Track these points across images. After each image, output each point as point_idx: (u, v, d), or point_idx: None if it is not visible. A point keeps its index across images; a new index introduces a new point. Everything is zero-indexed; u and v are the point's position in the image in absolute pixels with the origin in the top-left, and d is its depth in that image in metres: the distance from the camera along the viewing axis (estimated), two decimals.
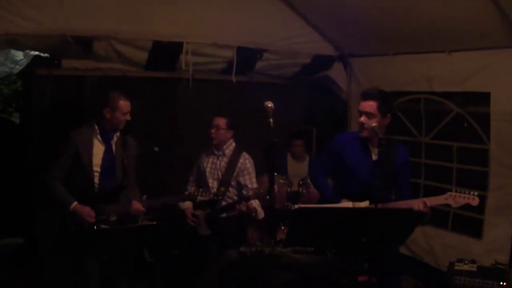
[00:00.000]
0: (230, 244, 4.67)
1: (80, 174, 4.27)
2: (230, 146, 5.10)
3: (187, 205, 5.10)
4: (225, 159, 5.07)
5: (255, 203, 4.82)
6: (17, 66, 8.06)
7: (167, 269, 5.34)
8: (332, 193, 4.17)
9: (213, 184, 5.07)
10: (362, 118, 3.89)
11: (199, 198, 4.64)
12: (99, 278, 4.31)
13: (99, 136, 4.33)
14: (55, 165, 4.25)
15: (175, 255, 5.49)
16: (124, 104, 4.29)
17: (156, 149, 4.47)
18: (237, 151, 5.08)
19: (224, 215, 4.93)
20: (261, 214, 4.91)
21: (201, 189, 4.69)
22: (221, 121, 5.04)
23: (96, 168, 4.29)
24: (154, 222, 4.31)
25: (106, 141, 4.35)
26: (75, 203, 4.15)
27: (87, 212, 4.14)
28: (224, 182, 5.03)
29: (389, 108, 3.98)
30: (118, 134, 4.41)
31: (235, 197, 5.03)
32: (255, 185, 4.99)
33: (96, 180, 4.30)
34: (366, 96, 3.93)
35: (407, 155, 4.11)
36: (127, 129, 4.46)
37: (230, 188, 5.04)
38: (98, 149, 4.32)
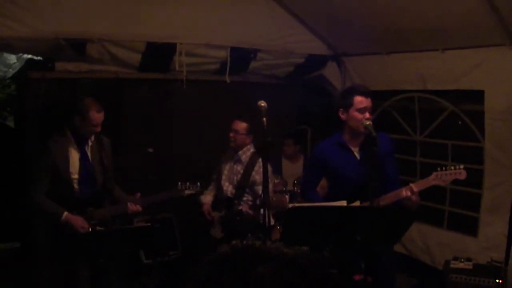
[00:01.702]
0: None
1: (59, 183, 4.21)
2: (247, 152, 5.03)
3: (207, 200, 5.09)
4: (241, 165, 5.03)
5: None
6: (10, 70, 8.03)
7: (164, 271, 5.33)
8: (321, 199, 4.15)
9: (228, 188, 5.05)
10: (367, 115, 3.83)
11: (186, 192, 4.58)
12: (90, 282, 4.28)
13: (73, 143, 4.27)
14: (37, 179, 4.19)
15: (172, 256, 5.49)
16: (94, 116, 4.18)
17: (150, 150, 4.45)
18: (254, 158, 4.97)
19: (238, 218, 4.85)
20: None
21: (188, 183, 4.61)
22: (241, 126, 4.94)
23: (74, 175, 4.24)
24: (149, 224, 4.30)
25: (81, 148, 4.29)
26: (66, 213, 4.09)
27: (80, 223, 4.10)
28: (239, 188, 4.99)
29: None
30: (93, 138, 4.35)
31: (250, 203, 4.96)
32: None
33: (76, 185, 4.25)
34: (366, 93, 3.90)
35: (389, 143, 4.04)
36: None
37: (245, 194, 5.00)
38: (75, 156, 4.27)
